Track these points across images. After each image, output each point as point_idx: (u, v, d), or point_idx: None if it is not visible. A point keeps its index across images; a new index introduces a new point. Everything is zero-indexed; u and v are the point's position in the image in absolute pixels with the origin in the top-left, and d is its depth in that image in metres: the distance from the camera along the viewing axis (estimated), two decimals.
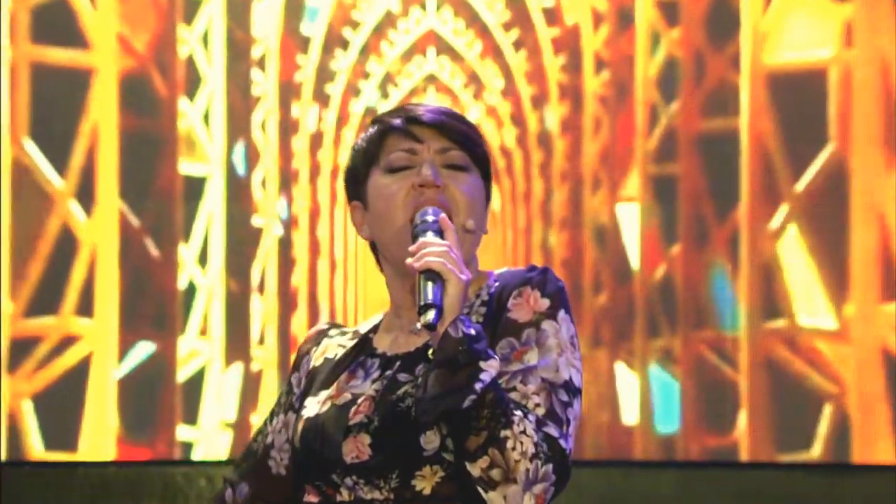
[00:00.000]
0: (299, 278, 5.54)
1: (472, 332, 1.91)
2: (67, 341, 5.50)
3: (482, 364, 1.90)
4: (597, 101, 5.48)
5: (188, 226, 5.53)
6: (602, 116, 5.48)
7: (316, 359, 2.14)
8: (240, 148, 5.55)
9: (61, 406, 5.45)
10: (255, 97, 5.54)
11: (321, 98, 5.55)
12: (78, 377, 5.47)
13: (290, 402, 2.14)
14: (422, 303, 1.90)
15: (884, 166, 5.37)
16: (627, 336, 5.41)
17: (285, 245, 5.55)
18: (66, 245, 5.51)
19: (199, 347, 5.54)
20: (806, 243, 5.40)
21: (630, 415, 5.41)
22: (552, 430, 1.93)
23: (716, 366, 5.39)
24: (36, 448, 5.49)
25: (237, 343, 5.52)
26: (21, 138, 5.50)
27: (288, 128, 5.55)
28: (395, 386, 2.01)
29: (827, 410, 5.35)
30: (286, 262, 5.54)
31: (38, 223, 5.47)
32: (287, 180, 5.54)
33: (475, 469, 1.91)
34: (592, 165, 5.48)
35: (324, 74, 5.54)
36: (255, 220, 5.55)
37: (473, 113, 5.50)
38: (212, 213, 5.56)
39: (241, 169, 5.54)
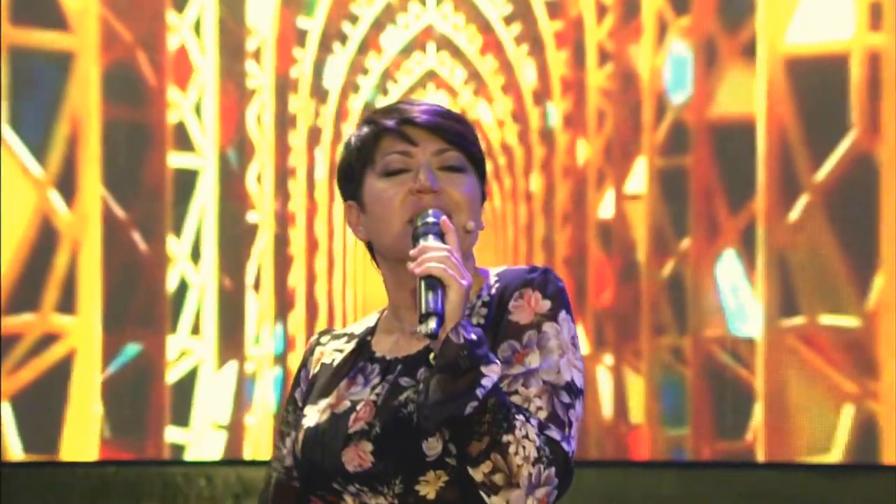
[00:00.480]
0: (297, 276, 5.34)
1: (474, 336, 1.87)
2: (48, 339, 5.25)
3: (483, 369, 1.86)
4: (601, 95, 5.28)
5: (179, 220, 5.33)
6: (606, 110, 5.29)
7: (313, 367, 2.08)
8: (234, 142, 5.35)
9: (42, 407, 5.23)
10: (250, 90, 5.33)
11: (319, 93, 5.36)
12: (60, 377, 5.24)
13: (297, 418, 2.07)
14: (423, 311, 1.86)
15: None
16: (633, 335, 5.18)
17: (282, 242, 5.35)
18: (47, 237, 5.27)
19: (191, 346, 5.33)
20: (828, 236, 5.13)
21: (635, 415, 5.22)
22: (554, 433, 1.89)
23: (728, 366, 5.14)
24: (14, 451, 5.25)
25: (231, 342, 5.32)
26: None
27: (285, 122, 5.35)
28: (398, 391, 1.96)
29: (849, 412, 5.07)
30: (283, 260, 5.34)
31: (16, 214, 5.20)
32: (283, 176, 5.32)
33: (478, 474, 1.86)
34: (596, 160, 5.29)
35: (321, 69, 5.38)
36: (251, 217, 5.35)
37: (474, 110, 5.33)
38: (204, 207, 5.34)
39: (234, 163, 5.34)
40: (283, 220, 5.30)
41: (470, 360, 1.84)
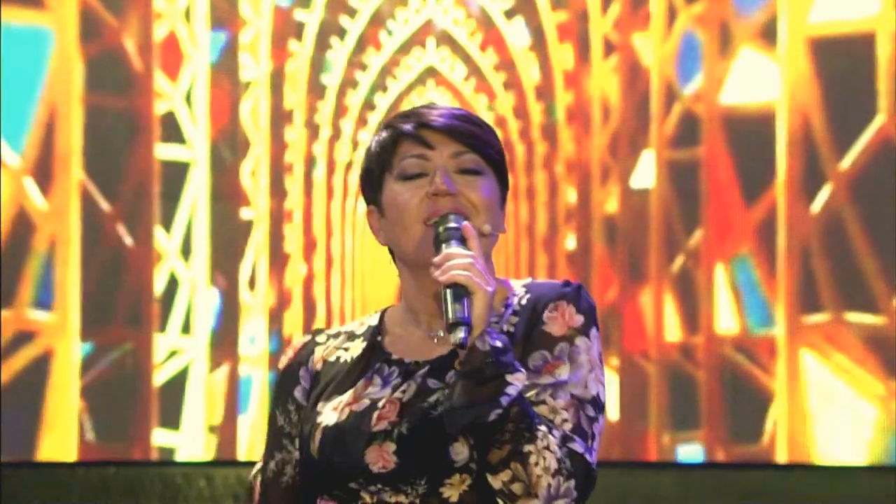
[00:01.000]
0: (293, 275, 5.12)
1: (499, 344, 1.83)
2: (23, 337, 4.96)
3: (508, 377, 1.81)
4: (605, 87, 5.05)
5: (168, 214, 5.05)
6: (612, 103, 5.06)
7: (315, 365, 2.00)
8: (226, 134, 5.10)
9: (17, 408, 4.94)
10: (245, 82, 5.10)
11: (317, 89, 5.14)
12: (36, 377, 4.97)
13: (304, 417, 1.98)
14: (451, 320, 1.81)
15: None
16: (639, 334, 4.95)
17: (277, 239, 5.10)
18: (22, 228, 4.97)
19: (181, 346, 5.07)
20: (853, 227, 4.85)
21: (641, 417, 5.02)
22: (578, 445, 1.86)
23: (743, 366, 4.88)
24: None
25: (224, 342, 5.07)
26: None
27: (280, 117, 5.12)
28: (427, 393, 1.90)
29: (874, 414, 4.83)
30: (278, 258, 5.10)
31: None
32: (280, 172, 5.10)
33: (496, 482, 1.83)
34: (601, 155, 5.05)
35: (318, 65, 5.18)
36: (245, 213, 5.10)
37: (474, 108, 5.15)
38: (196, 201, 5.07)
39: (228, 157, 5.09)
40: (279, 218, 5.08)
41: (495, 367, 1.81)
